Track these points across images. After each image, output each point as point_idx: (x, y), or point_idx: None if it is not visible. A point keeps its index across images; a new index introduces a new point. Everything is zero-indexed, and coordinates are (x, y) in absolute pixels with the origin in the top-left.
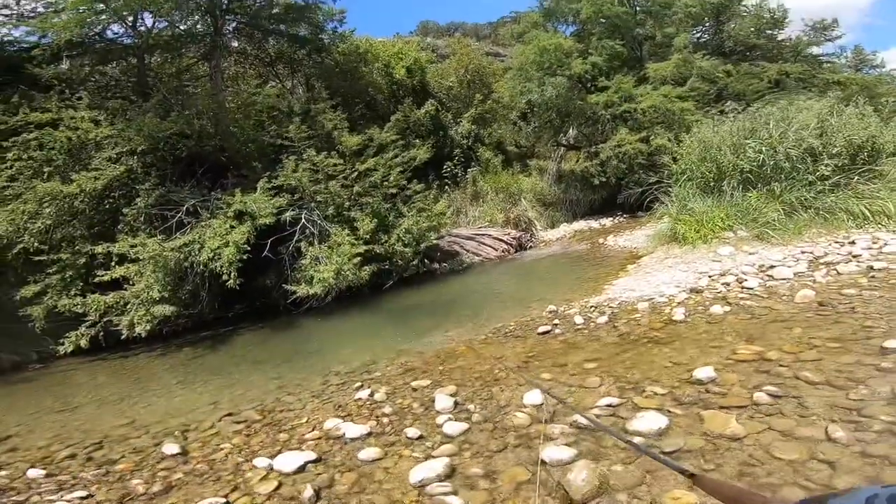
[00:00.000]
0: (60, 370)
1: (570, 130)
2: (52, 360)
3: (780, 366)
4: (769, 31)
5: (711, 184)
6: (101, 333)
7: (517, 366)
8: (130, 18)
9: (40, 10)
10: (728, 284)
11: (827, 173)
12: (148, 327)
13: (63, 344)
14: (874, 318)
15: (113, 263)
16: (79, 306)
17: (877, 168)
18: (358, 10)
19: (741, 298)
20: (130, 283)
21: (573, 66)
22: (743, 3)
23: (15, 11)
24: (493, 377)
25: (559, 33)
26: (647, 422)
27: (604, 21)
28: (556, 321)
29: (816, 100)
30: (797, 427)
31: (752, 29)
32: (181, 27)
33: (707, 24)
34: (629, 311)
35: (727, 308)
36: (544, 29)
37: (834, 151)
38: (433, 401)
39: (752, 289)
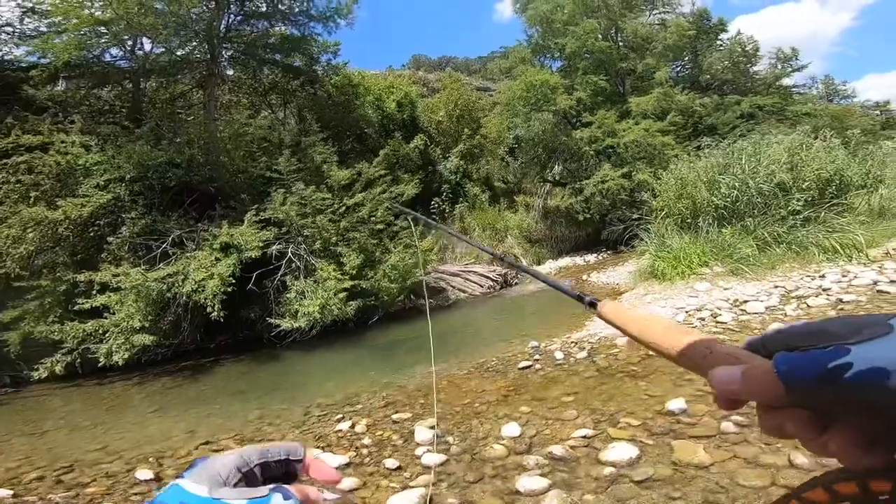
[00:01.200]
0: (33, 395)
1: (556, 166)
2: (26, 385)
3: None
4: (743, 66)
5: (688, 220)
6: (78, 360)
7: (497, 400)
8: (129, 42)
9: (42, 29)
10: (703, 319)
11: (798, 208)
12: (126, 356)
13: (38, 370)
14: None
15: (94, 291)
16: (56, 333)
17: (845, 202)
18: (352, 42)
19: (715, 332)
20: (111, 311)
21: (559, 101)
22: (719, 38)
23: (17, 30)
24: (474, 410)
25: (546, 68)
26: (620, 452)
27: (588, 56)
28: (537, 356)
29: (786, 134)
30: (761, 454)
31: (727, 63)
32: (178, 53)
33: (685, 59)
34: (608, 346)
35: None
36: (532, 64)
37: (804, 186)
38: (413, 433)
39: (725, 323)
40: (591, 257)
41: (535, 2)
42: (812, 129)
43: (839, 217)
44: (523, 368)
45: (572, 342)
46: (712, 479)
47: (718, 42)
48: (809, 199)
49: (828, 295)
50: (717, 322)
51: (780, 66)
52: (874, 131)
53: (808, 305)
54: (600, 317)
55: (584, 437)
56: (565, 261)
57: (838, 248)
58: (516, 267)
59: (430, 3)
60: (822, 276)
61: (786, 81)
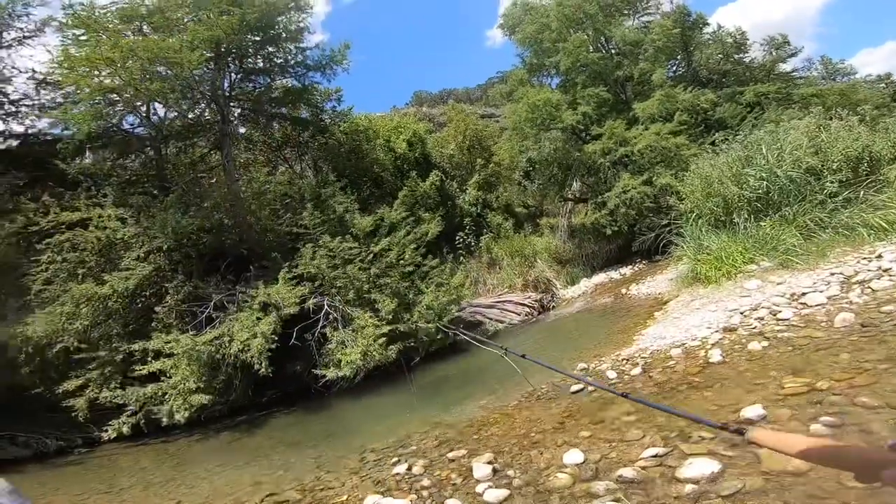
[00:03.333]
0: (105, 454)
1: (574, 183)
2: (97, 445)
3: (833, 395)
4: (736, 56)
5: (722, 218)
6: (142, 421)
7: (553, 427)
8: (143, 109)
9: (59, 100)
10: (762, 318)
11: (834, 189)
12: (186, 415)
13: (107, 430)
14: None
15: (149, 358)
16: (119, 398)
17: (881, 177)
18: (354, 87)
19: (778, 331)
20: (167, 375)
21: (564, 118)
22: (704, 31)
23: (36, 102)
24: (531, 441)
25: (545, 87)
26: (699, 467)
27: (584, 69)
28: (589, 378)
29: (799, 118)
30: None
31: (720, 55)
32: (189, 116)
33: (679, 58)
34: (663, 359)
35: (765, 343)
36: (531, 85)
37: (834, 167)
38: (471, 470)
39: (787, 319)
40: (627, 270)
41: (523, 24)
42: (825, 109)
43: (879, 194)
44: (576, 392)
45: (623, 359)
46: (814, 483)
47: (706, 36)
48: (843, 179)
49: (890, 276)
50: (779, 320)
51: (774, 53)
52: (886, 104)
53: (872, 290)
54: (754, 443)
55: (655, 455)
56: (600, 277)
57: (886, 225)
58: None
59: (423, 38)
60: (880, 257)
61: (784, 67)
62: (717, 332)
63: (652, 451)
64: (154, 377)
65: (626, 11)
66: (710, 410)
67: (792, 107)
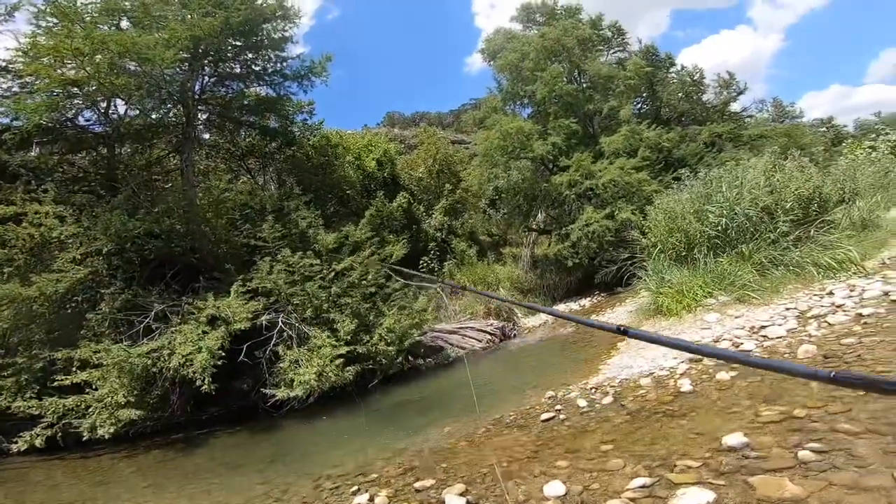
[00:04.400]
0: (14, 467)
1: (539, 214)
2: (5, 457)
3: (812, 421)
4: (695, 95)
5: (683, 253)
6: (59, 434)
7: (527, 456)
8: (103, 105)
9: (15, 90)
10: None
11: (785, 229)
12: (112, 430)
13: (16, 442)
14: (884, 363)
15: (74, 368)
16: (35, 408)
17: (828, 218)
18: (326, 103)
19: None
20: (93, 386)
21: (535, 148)
22: (669, 71)
23: None
24: (504, 471)
25: (518, 116)
26: (692, 497)
27: (557, 100)
28: (559, 406)
29: (748, 158)
30: (860, 478)
31: (681, 94)
32: (153, 116)
33: (644, 95)
34: (633, 388)
35: (733, 373)
36: (504, 113)
37: (787, 206)
38: (443, 502)
39: (749, 351)
40: (586, 301)
41: (504, 51)
42: (781, 149)
43: (827, 234)
44: (546, 420)
45: (592, 388)
46: None
47: (671, 75)
48: (795, 219)
49: (844, 311)
50: (741, 351)
51: (724, 93)
52: (827, 148)
53: (829, 324)
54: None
55: (643, 486)
56: (561, 307)
57: (834, 264)
58: (535, 308)
59: (402, 60)
60: (831, 294)
61: (734, 107)
62: (682, 362)
63: (638, 481)
64: (77, 388)
65: (600, 47)
66: (691, 438)
67: (742, 147)
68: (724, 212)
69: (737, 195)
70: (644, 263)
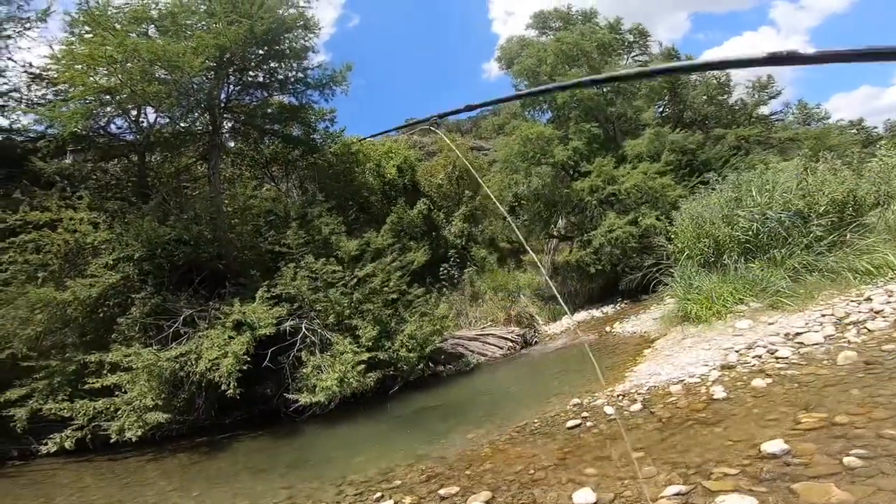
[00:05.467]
0: (43, 468)
1: (560, 221)
2: (34, 458)
3: (856, 428)
4: (719, 98)
5: (712, 259)
6: (88, 436)
7: (553, 463)
8: (134, 112)
9: (50, 97)
10: (760, 357)
11: (820, 234)
12: (139, 433)
13: (46, 444)
14: None
15: (105, 371)
16: (66, 410)
17: (865, 222)
18: (347, 110)
19: (780, 368)
20: (122, 390)
21: (556, 153)
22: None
23: (25, 97)
24: (531, 478)
25: (538, 121)
26: None
27: (577, 105)
28: (585, 414)
29: (779, 161)
30: None
31: (704, 97)
32: (181, 124)
33: (666, 98)
34: (662, 395)
35: (769, 380)
36: (523, 118)
37: (821, 210)
38: None
39: (786, 358)
40: (609, 308)
41: (521, 57)
42: (811, 152)
43: (863, 238)
44: (572, 427)
45: (619, 395)
46: None
47: (693, 78)
48: (829, 223)
49: (883, 317)
50: (777, 358)
51: (756, 95)
52: (860, 150)
53: (868, 330)
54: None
55: (678, 493)
56: (582, 314)
57: (872, 269)
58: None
59: (420, 66)
60: (869, 300)
61: (763, 110)
62: (714, 369)
63: (673, 488)
64: (107, 391)
65: (620, 51)
66: (727, 446)
67: (771, 150)
68: (756, 216)
69: (768, 199)
70: (670, 270)
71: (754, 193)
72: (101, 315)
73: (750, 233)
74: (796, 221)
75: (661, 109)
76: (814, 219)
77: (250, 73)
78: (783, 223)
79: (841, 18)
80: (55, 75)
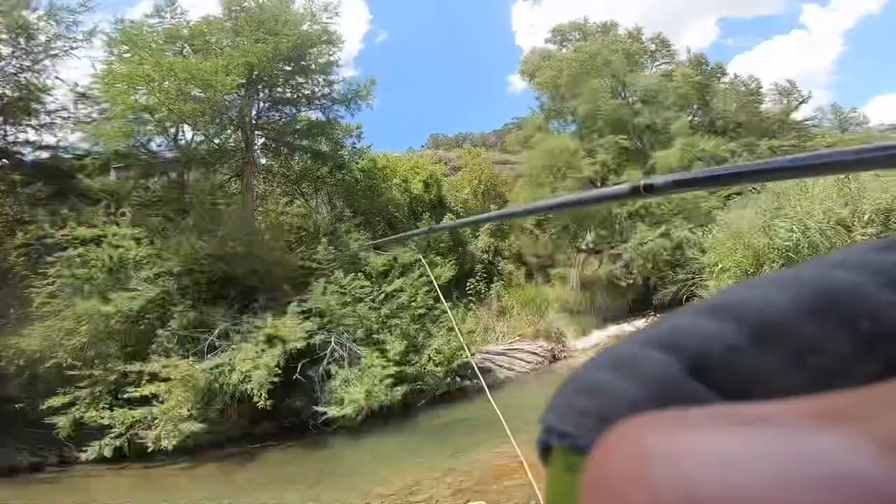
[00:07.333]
0: (80, 475)
1: (588, 234)
2: (72, 465)
3: None
4: (751, 105)
5: (750, 271)
6: (126, 444)
7: None
8: (172, 130)
9: (94, 116)
10: None
11: None
12: (175, 442)
13: (85, 451)
14: None
15: (143, 381)
16: (106, 419)
17: None
18: (373, 126)
19: None
20: (159, 399)
21: (582, 168)
22: (721, 81)
23: (71, 115)
24: None
25: (562, 134)
26: None
27: (602, 116)
28: None
29: None
30: None
31: (735, 105)
32: (216, 142)
33: (695, 107)
34: None
35: None
36: (548, 131)
37: (865, 219)
38: None
39: None
40: (641, 323)
41: (541, 69)
42: None
43: None
44: None
45: None
46: None
47: (722, 84)
48: (875, 233)
49: None
50: None
51: (784, 102)
52: None
53: None
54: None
55: None
56: (613, 329)
57: None
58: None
59: (444, 81)
60: None
61: (796, 117)
62: None
63: None
64: (145, 401)
65: (643, 60)
66: None
67: None
68: (796, 226)
69: (807, 208)
70: (706, 283)
71: (792, 202)
72: (142, 327)
73: (790, 242)
74: (839, 230)
75: (690, 118)
76: (858, 228)
77: (278, 89)
78: (824, 233)
79: (875, 20)
80: (98, 94)
